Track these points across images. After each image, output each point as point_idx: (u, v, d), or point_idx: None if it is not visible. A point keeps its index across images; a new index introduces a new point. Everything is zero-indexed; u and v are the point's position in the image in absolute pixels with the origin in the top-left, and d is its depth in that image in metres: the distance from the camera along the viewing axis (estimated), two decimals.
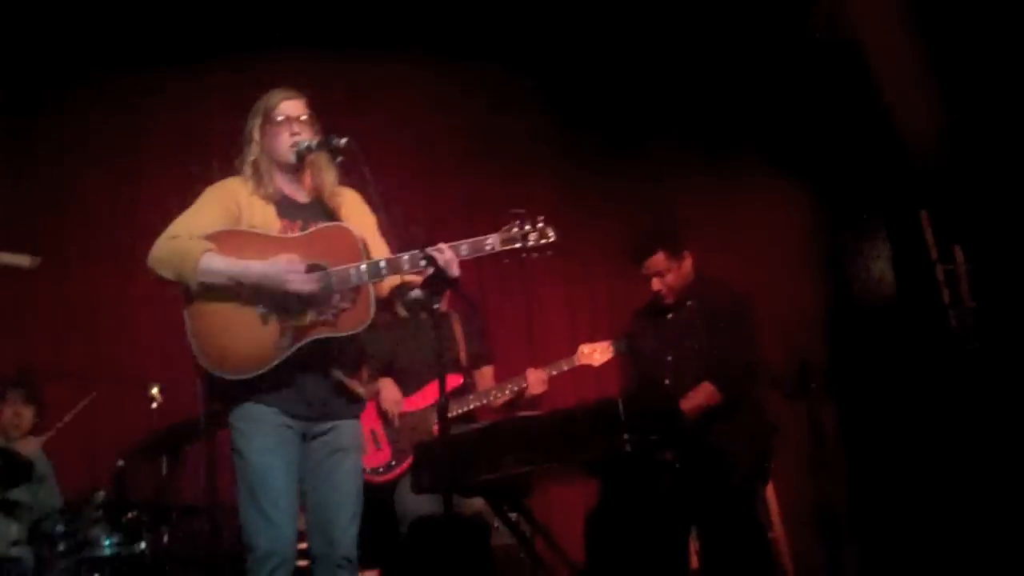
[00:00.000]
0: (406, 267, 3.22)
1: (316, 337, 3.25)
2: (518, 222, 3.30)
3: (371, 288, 3.30)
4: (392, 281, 3.42)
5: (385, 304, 3.55)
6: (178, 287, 3.25)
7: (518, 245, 3.29)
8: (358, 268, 3.24)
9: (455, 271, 3.18)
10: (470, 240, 3.24)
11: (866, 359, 6.01)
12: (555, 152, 6.63)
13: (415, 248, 3.21)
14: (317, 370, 3.32)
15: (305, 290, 3.19)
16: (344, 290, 3.26)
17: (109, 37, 5.81)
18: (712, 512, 4.30)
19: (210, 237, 3.25)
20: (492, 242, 3.29)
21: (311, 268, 3.25)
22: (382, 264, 3.24)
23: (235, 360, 3.23)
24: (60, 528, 4.60)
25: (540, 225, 3.31)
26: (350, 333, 3.30)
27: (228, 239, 3.27)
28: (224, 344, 3.23)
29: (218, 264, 3.20)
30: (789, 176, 6.56)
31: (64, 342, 5.65)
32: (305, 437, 3.34)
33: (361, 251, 3.32)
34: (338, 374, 3.37)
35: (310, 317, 3.24)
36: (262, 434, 3.25)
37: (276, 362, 3.22)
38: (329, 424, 3.37)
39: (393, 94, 6.29)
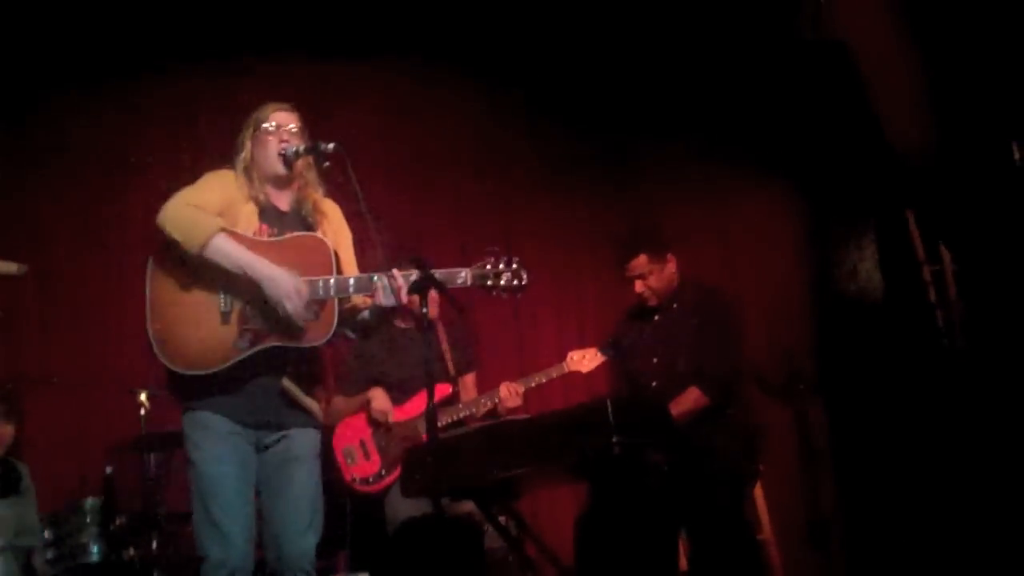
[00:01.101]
0: (373, 287, 3.23)
1: (274, 344, 3.24)
2: (492, 259, 3.31)
3: (335, 303, 3.29)
4: (355, 300, 3.42)
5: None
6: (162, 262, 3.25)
7: (489, 283, 3.30)
8: (327, 282, 3.24)
9: (392, 300, 3.21)
10: (443, 271, 3.24)
11: (853, 359, 6.02)
12: (545, 159, 6.62)
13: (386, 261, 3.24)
14: (271, 379, 3.30)
15: (297, 316, 3.19)
16: (310, 301, 3.24)
17: (99, 42, 5.79)
18: (701, 513, 4.31)
19: None
20: (464, 276, 3.29)
21: None
22: (351, 281, 3.26)
23: (189, 354, 3.22)
24: (48, 535, 4.58)
25: (514, 267, 3.32)
26: (308, 345, 3.29)
27: None
28: (182, 335, 3.23)
29: (230, 248, 3.20)
30: (776, 177, 6.59)
31: (52, 349, 5.63)
32: (258, 448, 3.33)
33: (333, 265, 3.32)
34: (291, 386, 3.34)
35: (271, 324, 3.23)
36: (212, 442, 3.24)
37: (230, 363, 3.21)
38: (280, 434, 3.36)
39: (383, 102, 6.29)
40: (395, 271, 3.19)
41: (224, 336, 3.22)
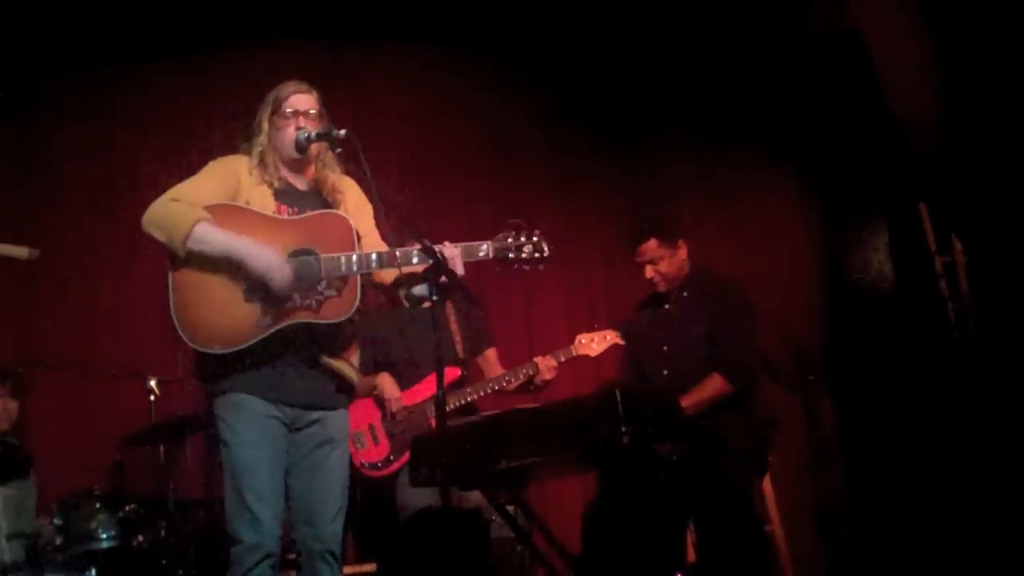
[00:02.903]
0: (398, 262, 3.24)
1: (297, 321, 3.24)
2: (513, 232, 3.33)
3: (358, 280, 3.30)
4: (393, 273, 3.41)
5: (389, 295, 3.55)
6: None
7: (511, 255, 3.32)
8: (348, 258, 3.25)
9: (459, 269, 3.20)
10: (464, 244, 3.26)
11: (864, 351, 6.01)
12: (554, 146, 6.61)
13: (411, 240, 3.22)
14: (302, 357, 3.31)
15: (279, 292, 3.19)
16: (331, 278, 3.26)
17: (109, 29, 5.79)
18: (709, 505, 4.30)
19: (208, 208, 3.24)
20: (486, 249, 3.31)
21: (300, 252, 3.26)
22: (373, 257, 3.26)
23: (213, 333, 3.22)
24: (58, 521, 4.60)
25: (535, 239, 3.34)
26: (331, 321, 3.29)
27: (225, 213, 3.27)
28: (204, 316, 3.22)
29: (211, 235, 3.19)
30: (788, 168, 6.56)
31: (62, 334, 5.64)
32: (291, 428, 3.33)
33: (354, 241, 3.32)
34: (325, 360, 3.36)
35: (293, 301, 3.24)
36: (247, 425, 3.24)
37: (254, 341, 3.21)
38: (316, 415, 3.37)
39: (392, 88, 6.29)
40: (447, 243, 3.20)
41: (247, 314, 3.22)
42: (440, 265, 3.14)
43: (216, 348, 3.21)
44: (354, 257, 3.25)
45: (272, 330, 3.22)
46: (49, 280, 5.63)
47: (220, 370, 3.25)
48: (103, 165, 5.90)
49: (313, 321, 3.27)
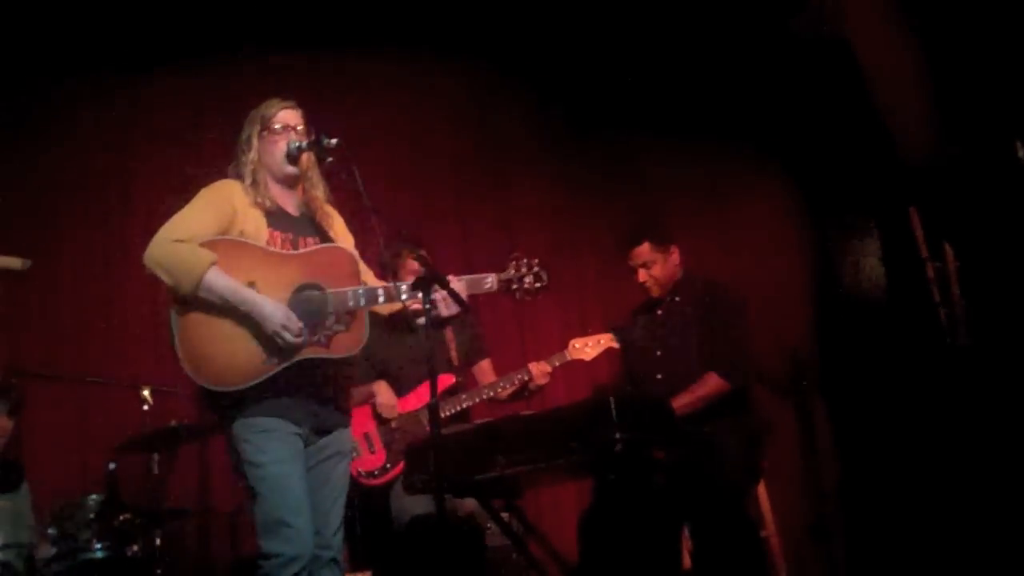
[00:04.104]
0: (403, 296, 3.36)
1: (307, 356, 3.26)
2: (514, 263, 3.53)
3: (366, 313, 3.35)
4: (390, 307, 3.50)
5: (387, 323, 3.60)
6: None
7: (514, 287, 3.52)
8: (355, 292, 3.30)
9: (446, 311, 3.33)
10: (468, 277, 3.44)
11: (857, 356, 6.02)
12: (546, 153, 6.63)
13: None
14: (314, 386, 3.33)
15: (290, 345, 3.21)
16: (340, 313, 3.30)
17: (101, 39, 5.79)
18: (704, 511, 4.31)
19: (209, 244, 3.22)
20: (491, 282, 3.50)
21: (306, 287, 3.27)
22: (379, 291, 3.34)
23: (221, 371, 3.21)
24: (52, 531, 4.58)
25: (536, 269, 3.54)
26: (341, 357, 3.34)
27: (226, 249, 3.25)
28: (211, 353, 3.21)
29: (221, 284, 3.18)
30: (780, 174, 6.58)
31: (55, 344, 5.63)
32: (306, 443, 3.36)
33: (359, 275, 3.39)
34: (334, 392, 3.42)
35: (304, 338, 3.25)
36: (275, 444, 3.25)
37: (262, 378, 3.21)
38: (327, 435, 3.42)
39: (385, 94, 6.29)
40: (451, 277, 3.35)
41: (256, 351, 3.22)
42: (432, 273, 3.18)
43: (224, 386, 3.22)
44: (360, 291, 3.31)
45: (280, 367, 3.24)
46: (42, 290, 5.62)
47: (239, 400, 3.25)
48: (96, 175, 5.89)
49: (323, 356, 3.30)
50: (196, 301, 3.20)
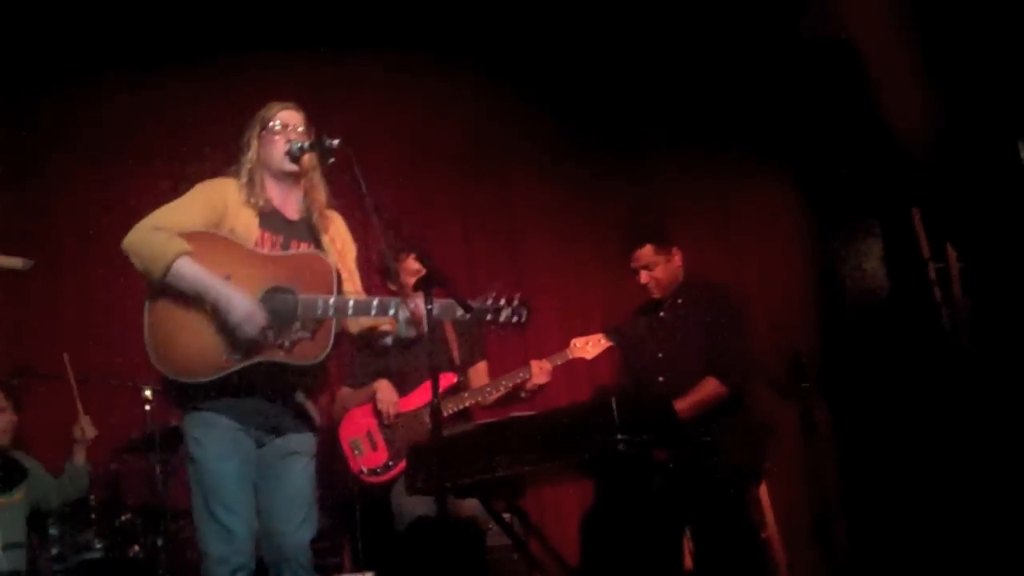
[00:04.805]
0: (373, 312, 3.27)
1: (267, 359, 3.24)
2: (494, 295, 3.38)
3: (333, 324, 3.30)
4: (360, 323, 3.44)
5: (355, 340, 3.57)
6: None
7: (488, 318, 3.36)
8: (326, 301, 3.25)
9: (415, 331, 3.29)
10: (442, 301, 3.26)
11: (858, 357, 6.01)
12: (547, 153, 6.62)
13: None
14: (271, 388, 3.31)
15: (251, 340, 3.18)
16: (306, 319, 3.25)
17: (101, 39, 5.79)
18: (705, 512, 4.31)
19: (188, 236, 3.22)
20: (461, 313, 3.30)
21: (279, 290, 3.25)
22: (351, 303, 3.26)
23: (183, 363, 3.21)
24: (54, 531, 4.59)
25: (515, 304, 3.39)
26: (301, 364, 3.29)
27: (207, 242, 3.25)
28: (176, 344, 3.22)
29: (189, 274, 3.18)
30: (782, 175, 6.57)
31: (57, 344, 5.62)
32: (258, 444, 3.34)
33: (333, 284, 3.32)
34: (303, 400, 3.40)
35: (267, 338, 3.23)
36: (215, 439, 3.24)
37: (223, 373, 3.20)
38: (281, 436, 3.38)
39: (385, 94, 6.29)
40: (414, 297, 3.23)
41: (219, 346, 3.21)
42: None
43: (185, 378, 3.21)
44: (331, 300, 3.25)
45: (241, 365, 3.22)
46: (43, 290, 5.62)
47: (191, 390, 3.24)
48: (96, 175, 5.89)
49: (283, 361, 3.26)
50: (167, 291, 3.20)
